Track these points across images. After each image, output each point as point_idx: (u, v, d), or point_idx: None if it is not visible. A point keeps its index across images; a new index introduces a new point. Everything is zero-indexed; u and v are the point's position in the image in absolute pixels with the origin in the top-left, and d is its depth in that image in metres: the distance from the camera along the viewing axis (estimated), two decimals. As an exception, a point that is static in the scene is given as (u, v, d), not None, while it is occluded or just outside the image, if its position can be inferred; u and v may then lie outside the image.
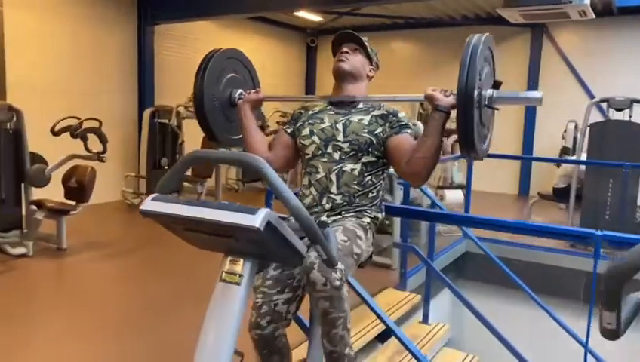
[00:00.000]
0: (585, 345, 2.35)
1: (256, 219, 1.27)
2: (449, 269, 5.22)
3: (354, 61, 2.04)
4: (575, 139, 7.65)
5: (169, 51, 8.31)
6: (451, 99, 1.81)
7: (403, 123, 1.99)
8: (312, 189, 1.99)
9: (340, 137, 1.97)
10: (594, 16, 5.68)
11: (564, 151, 7.81)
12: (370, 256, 2.05)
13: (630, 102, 5.71)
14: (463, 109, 1.70)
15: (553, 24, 8.93)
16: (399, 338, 2.84)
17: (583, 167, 5.96)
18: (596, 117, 7.00)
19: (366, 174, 1.97)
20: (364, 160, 1.96)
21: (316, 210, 1.96)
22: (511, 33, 9.23)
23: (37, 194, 5.20)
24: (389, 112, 2.01)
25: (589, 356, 2.43)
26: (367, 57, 2.09)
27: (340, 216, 1.96)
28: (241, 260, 1.47)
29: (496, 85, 1.86)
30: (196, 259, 4.81)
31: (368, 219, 1.99)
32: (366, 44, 2.09)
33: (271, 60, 10.27)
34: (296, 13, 9.27)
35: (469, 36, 1.78)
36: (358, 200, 1.96)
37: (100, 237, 5.70)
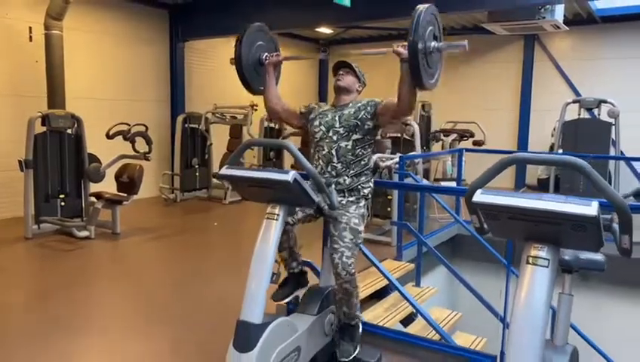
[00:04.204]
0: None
1: (288, 176, 2.24)
2: (442, 249, 6.04)
3: (347, 80, 2.94)
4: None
5: (198, 64, 9.38)
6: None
7: (378, 100, 2.87)
8: (320, 161, 2.87)
9: (337, 125, 2.85)
10: (567, 29, 6.56)
11: (552, 147, 8.64)
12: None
13: (598, 103, 6.55)
14: (411, 56, 2.52)
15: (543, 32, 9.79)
16: (399, 290, 3.68)
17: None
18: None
19: (356, 147, 2.84)
20: (353, 137, 2.83)
21: (326, 175, 2.84)
22: (506, 41, 10.11)
23: (93, 188, 6.23)
24: (367, 101, 2.89)
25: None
26: (357, 77, 2.99)
27: (344, 198, 2.80)
28: (278, 205, 2.43)
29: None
30: (228, 243, 5.83)
31: (364, 202, 2.87)
32: (355, 68, 2.98)
33: (288, 68, 11.22)
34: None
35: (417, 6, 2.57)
36: (353, 165, 2.83)
37: (145, 225, 6.73)
